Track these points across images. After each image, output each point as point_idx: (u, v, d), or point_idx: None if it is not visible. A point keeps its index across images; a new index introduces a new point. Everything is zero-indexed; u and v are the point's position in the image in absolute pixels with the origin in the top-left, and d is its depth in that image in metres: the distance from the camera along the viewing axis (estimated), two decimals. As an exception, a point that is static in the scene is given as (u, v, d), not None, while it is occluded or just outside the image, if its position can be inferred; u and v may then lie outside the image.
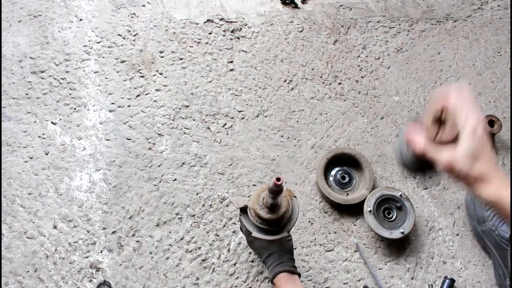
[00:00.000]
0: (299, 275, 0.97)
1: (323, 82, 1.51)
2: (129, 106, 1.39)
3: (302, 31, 1.61)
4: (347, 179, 1.32)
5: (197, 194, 1.28)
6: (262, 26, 1.60)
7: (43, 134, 1.33)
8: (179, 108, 1.40)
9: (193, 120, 1.39)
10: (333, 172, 1.33)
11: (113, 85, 1.42)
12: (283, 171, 1.34)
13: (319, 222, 1.28)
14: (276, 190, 0.82)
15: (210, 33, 1.55)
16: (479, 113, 0.66)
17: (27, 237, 1.19)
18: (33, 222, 1.20)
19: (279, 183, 0.76)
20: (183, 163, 1.32)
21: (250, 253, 1.21)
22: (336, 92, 1.50)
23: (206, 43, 1.53)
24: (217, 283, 1.18)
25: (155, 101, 1.41)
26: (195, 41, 1.53)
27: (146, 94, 1.42)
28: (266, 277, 1.19)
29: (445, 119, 0.68)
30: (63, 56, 1.46)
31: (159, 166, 1.31)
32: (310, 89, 1.49)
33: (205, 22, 1.57)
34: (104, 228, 1.21)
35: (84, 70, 1.44)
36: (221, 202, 1.27)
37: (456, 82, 1.57)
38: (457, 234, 1.30)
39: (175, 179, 1.29)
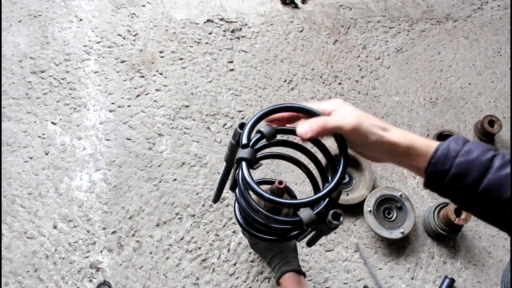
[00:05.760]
0: (304, 275, 0.97)
1: (323, 82, 1.51)
2: (129, 106, 1.39)
3: (302, 31, 1.61)
4: (347, 179, 1.32)
5: (197, 194, 1.28)
6: (262, 26, 1.60)
7: (43, 134, 1.33)
8: (179, 108, 1.40)
9: (193, 120, 1.39)
10: (333, 172, 1.33)
11: (113, 85, 1.42)
12: (283, 171, 1.34)
13: (319, 222, 1.28)
14: (278, 193, 0.81)
15: (210, 33, 1.55)
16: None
17: (27, 237, 1.19)
18: (33, 222, 1.20)
19: (281, 186, 0.76)
20: (183, 163, 1.32)
21: (250, 253, 1.21)
22: (336, 92, 1.50)
23: (206, 43, 1.53)
24: (217, 283, 1.18)
25: (155, 101, 1.41)
26: (195, 41, 1.53)
27: (146, 94, 1.42)
28: (266, 277, 1.19)
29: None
30: (63, 56, 1.46)
31: (159, 166, 1.31)
32: (310, 89, 1.49)
33: (205, 22, 1.57)
34: (104, 228, 1.21)
35: (84, 70, 1.44)
36: (221, 202, 1.27)
37: (456, 82, 1.57)
38: (457, 234, 1.30)
39: (175, 179, 1.29)
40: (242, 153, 0.59)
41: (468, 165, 0.48)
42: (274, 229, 0.72)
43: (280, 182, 0.77)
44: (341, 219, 0.63)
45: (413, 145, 0.54)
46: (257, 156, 0.65)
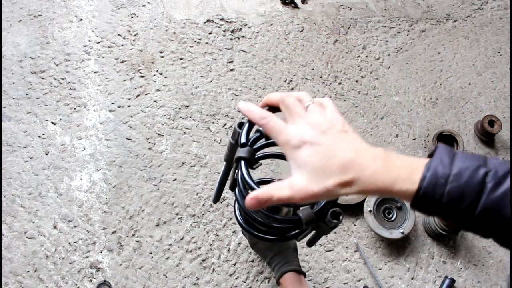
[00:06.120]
0: (305, 275, 0.97)
1: (323, 82, 1.51)
2: (129, 106, 1.39)
3: (302, 31, 1.61)
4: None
5: (197, 194, 1.28)
6: (262, 26, 1.60)
7: (43, 134, 1.33)
8: (179, 108, 1.40)
9: (193, 120, 1.39)
10: (333, 172, 1.33)
11: (113, 85, 1.42)
12: (283, 171, 1.34)
13: (319, 222, 1.28)
14: None
15: (210, 33, 1.55)
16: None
17: (27, 237, 1.19)
18: (33, 222, 1.20)
19: None
20: (183, 163, 1.32)
21: (250, 253, 1.21)
22: (336, 92, 1.50)
23: (206, 43, 1.53)
24: (217, 283, 1.18)
25: (155, 101, 1.41)
26: (195, 41, 1.53)
27: (146, 94, 1.42)
28: (266, 277, 1.19)
29: None
30: (63, 56, 1.46)
31: (159, 166, 1.31)
32: (310, 89, 1.49)
33: (205, 22, 1.57)
34: (104, 228, 1.21)
35: (84, 70, 1.44)
36: (221, 202, 1.27)
37: (456, 82, 1.57)
38: (457, 234, 1.30)
39: (175, 179, 1.29)
40: (241, 152, 0.59)
41: (460, 191, 0.44)
42: (274, 229, 0.72)
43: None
44: (341, 218, 0.63)
45: (393, 182, 0.45)
46: (257, 156, 0.65)
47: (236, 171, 0.68)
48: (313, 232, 0.77)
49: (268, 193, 0.49)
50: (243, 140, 0.59)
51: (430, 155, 0.47)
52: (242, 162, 0.59)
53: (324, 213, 0.63)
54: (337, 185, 0.46)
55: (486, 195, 0.43)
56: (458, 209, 0.44)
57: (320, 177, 0.46)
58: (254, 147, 0.61)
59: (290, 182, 0.48)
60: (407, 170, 0.45)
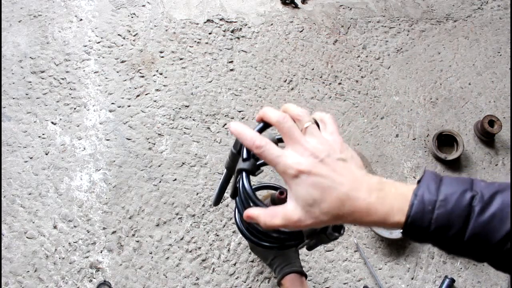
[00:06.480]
0: (306, 276, 0.96)
1: (323, 82, 1.51)
2: (129, 106, 1.39)
3: (302, 31, 1.61)
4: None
5: (197, 194, 1.28)
6: (262, 26, 1.60)
7: (43, 134, 1.33)
8: (179, 108, 1.40)
9: (193, 120, 1.39)
10: (333, 172, 1.33)
11: (113, 85, 1.42)
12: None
13: (319, 222, 1.28)
14: (279, 203, 0.82)
15: (210, 33, 1.55)
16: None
17: (27, 237, 1.19)
18: (33, 222, 1.20)
19: (282, 196, 0.76)
20: (183, 163, 1.32)
21: (250, 253, 1.21)
22: (336, 92, 1.50)
23: (206, 43, 1.53)
24: (217, 283, 1.18)
25: (155, 101, 1.41)
26: (195, 41, 1.53)
27: (146, 94, 1.42)
28: (266, 277, 1.19)
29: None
30: (63, 56, 1.46)
31: (159, 166, 1.31)
32: (310, 89, 1.49)
33: (205, 22, 1.57)
34: (104, 228, 1.21)
35: (84, 70, 1.44)
36: (221, 202, 1.27)
37: (456, 82, 1.57)
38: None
39: (175, 179, 1.29)
40: (243, 164, 0.58)
41: (448, 217, 0.43)
42: (274, 239, 0.73)
43: (281, 193, 0.76)
44: (342, 231, 0.63)
45: (386, 215, 0.45)
46: (258, 163, 0.65)
47: (238, 180, 0.68)
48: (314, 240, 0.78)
49: (263, 220, 0.50)
50: (245, 155, 0.58)
51: (419, 181, 0.47)
52: (244, 174, 0.59)
53: (325, 227, 0.63)
54: (331, 218, 0.46)
55: (473, 219, 0.43)
56: (447, 235, 0.44)
57: (315, 210, 0.46)
58: (257, 161, 0.61)
59: (285, 212, 0.48)
60: (400, 201, 0.45)
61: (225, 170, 0.71)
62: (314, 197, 0.46)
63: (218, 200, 0.85)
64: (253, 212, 0.51)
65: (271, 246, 0.75)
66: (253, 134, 0.50)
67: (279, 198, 0.73)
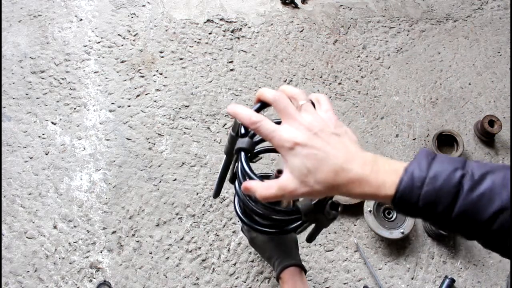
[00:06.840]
0: (305, 271, 0.93)
1: (323, 82, 1.51)
2: (129, 106, 1.39)
3: (302, 31, 1.61)
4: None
5: (197, 194, 1.28)
6: (262, 26, 1.60)
7: (43, 134, 1.33)
8: (179, 108, 1.40)
9: (193, 120, 1.39)
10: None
11: (113, 85, 1.42)
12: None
13: (319, 222, 1.28)
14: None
15: (210, 33, 1.55)
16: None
17: (27, 237, 1.19)
18: (33, 222, 1.20)
19: (280, 175, 0.76)
20: (183, 163, 1.32)
21: (250, 253, 1.21)
22: (336, 92, 1.50)
23: (206, 43, 1.53)
24: (217, 283, 1.18)
25: (155, 101, 1.41)
26: (195, 41, 1.53)
27: (146, 94, 1.42)
28: (266, 277, 1.19)
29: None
30: (63, 56, 1.46)
31: (159, 166, 1.31)
32: (310, 89, 1.49)
33: (205, 22, 1.57)
34: (104, 228, 1.21)
35: (84, 70, 1.44)
36: (221, 202, 1.27)
37: (456, 82, 1.57)
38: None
39: (175, 179, 1.29)
40: (241, 143, 0.59)
41: (436, 193, 0.44)
42: (272, 220, 0.73)
43: (279, 171, 0.76)
44: (339, 209, 0.64)
45: (378, 188, 0.46)
46: (257, 150, 0.65)
47: (236, 164, 0.69)
48: (313, 226, 0.78)
49: (259, 191, 0.51)
50: (243, 130, 0.59)
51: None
52: (242, 153, 0.60)
53: (323, 205, 0.63)
54: (325, 188, 0.48)
55: (462, 197, 0.44)
56: (435, 211, 0.45)
57: (309, 180, 0.48)
58: (254, 139, 0.62)
59: (281, 182, 0.50)
60: (393, 176, 0.46)
61: (225, 156, 0.72)
62: (309, 168, 0.48)
63: (218, 190, 0.85)
64: (250, 184, 0.53)
65: (271, 231, 0.75)
66: (249, 112, 0.52)
67: (277, 177, 0.74)
